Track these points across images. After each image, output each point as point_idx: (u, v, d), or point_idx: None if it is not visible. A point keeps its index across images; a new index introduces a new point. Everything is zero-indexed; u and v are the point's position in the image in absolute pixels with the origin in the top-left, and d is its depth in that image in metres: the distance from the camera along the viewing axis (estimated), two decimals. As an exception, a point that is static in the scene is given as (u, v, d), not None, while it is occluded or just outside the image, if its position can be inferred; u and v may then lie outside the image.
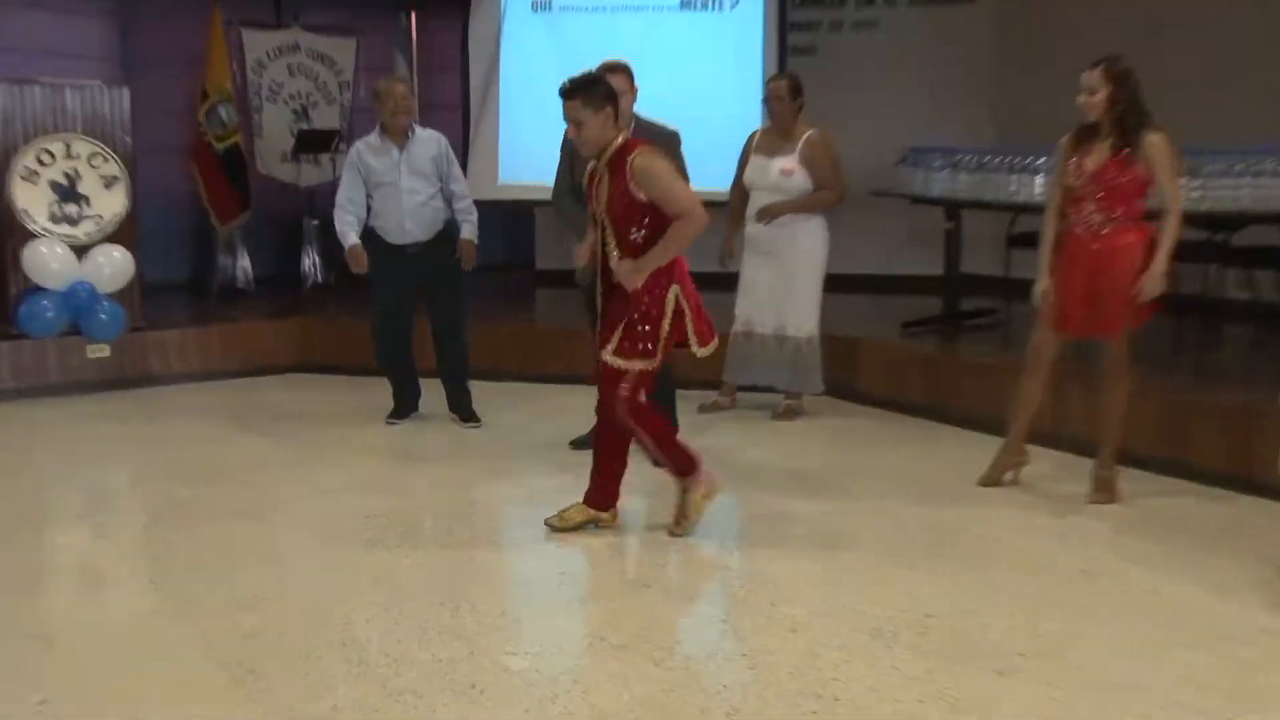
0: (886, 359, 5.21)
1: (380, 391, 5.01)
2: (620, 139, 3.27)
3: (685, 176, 3.92)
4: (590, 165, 3.39)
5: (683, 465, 3.40)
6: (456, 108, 6.94)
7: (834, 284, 5.11)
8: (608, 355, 3.29)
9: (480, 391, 5.09)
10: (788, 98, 4.73)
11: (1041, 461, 4.08)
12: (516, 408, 5.13)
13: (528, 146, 6.54)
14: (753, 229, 4.81)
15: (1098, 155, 3.56)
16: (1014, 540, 3.40)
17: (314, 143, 7.05)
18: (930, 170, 5.58)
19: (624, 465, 3.47)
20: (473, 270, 4.76)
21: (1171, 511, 3.66)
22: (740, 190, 4.90)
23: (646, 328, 3.27)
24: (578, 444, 4.40)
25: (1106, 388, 3.71)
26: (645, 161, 3.22)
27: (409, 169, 4.62)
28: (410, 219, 4.63)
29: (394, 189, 4.60)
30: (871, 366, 5.25)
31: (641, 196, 3.24)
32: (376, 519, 3.60)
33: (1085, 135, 3.57)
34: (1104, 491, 3.67)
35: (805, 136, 4.72)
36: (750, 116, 5.95)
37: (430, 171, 4.66)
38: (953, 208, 5.65)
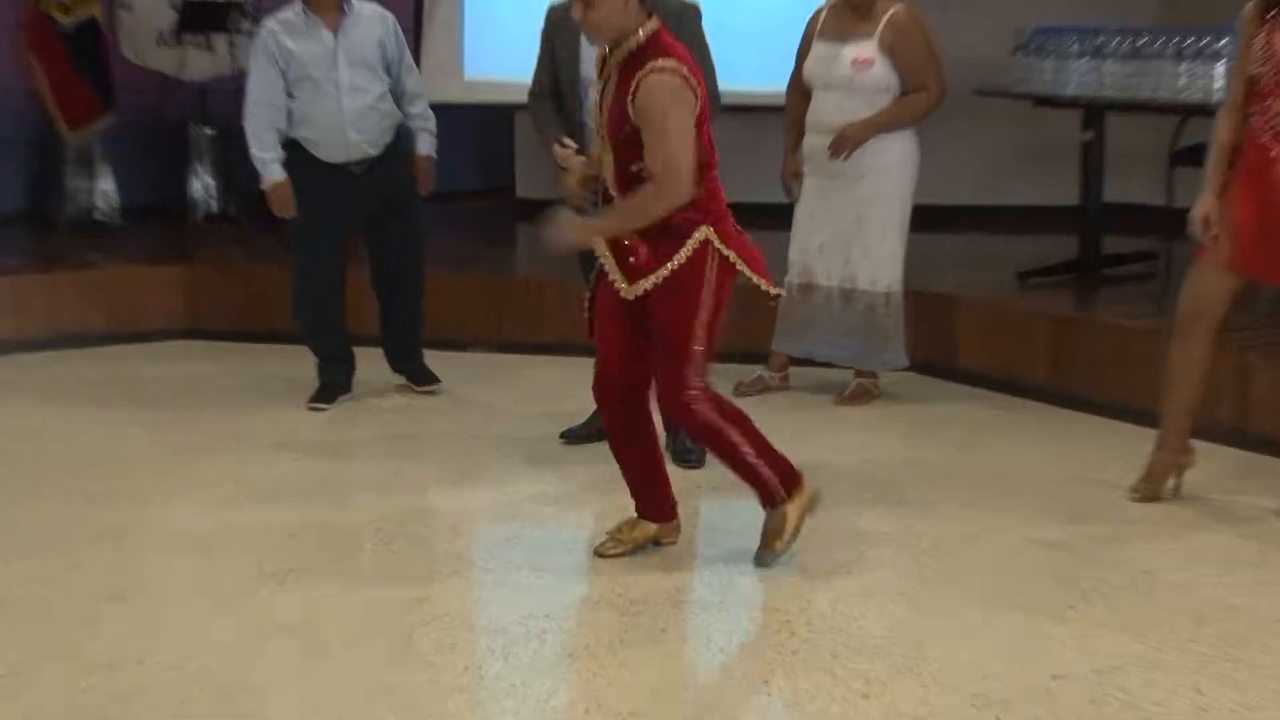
0: (996, 323, 5.18)
1: (301, 364, 5.02)
2: (643, 34, 3.20)
3: (709, 67, 3.92)
4: (599, 53, 3.34)
5: (784, 476, 3.38)
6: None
7: (924, 219, 5.07)
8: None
9: (434, 364, 5.11)
10: None
11: (1212, 462, 4.04)
12: (488, 386, 5.15)
13: (503, 29, 6.50)
14: (814, 143, 4.76)
15: None
16: (1178, 575, 3.37)
17: (204, 19, 6.99)
18: (1062, 59, 5.50)
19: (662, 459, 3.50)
20: (429, 197, 4.75)
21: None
22: (800, 89, 4.84)
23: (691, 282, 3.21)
24: (572, 436, 4.40)
25: None
26: (655, 84, 3.12)
27: (348, 59, 4.61)
28: (354, 127, 4.64)
29: (328, 86, 4.60)
30: (975, 333, 5.22)
31: (633, 120, 3.16)
32: (292, 541, 3.60)
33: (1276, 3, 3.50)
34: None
35: (889, 15, 4.67)
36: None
37: (376, 61, 4.65)
38: (1094, 111, 5.57)
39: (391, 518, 3.76)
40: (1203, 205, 3.67)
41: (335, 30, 4.59)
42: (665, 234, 3.21)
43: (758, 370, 5.04)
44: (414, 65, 4.80)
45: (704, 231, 3.22)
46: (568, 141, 4.10)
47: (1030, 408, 4.84)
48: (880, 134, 4.68)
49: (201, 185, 7.02)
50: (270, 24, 4.64)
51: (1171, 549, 3.51)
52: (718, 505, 3.89)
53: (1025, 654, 2.94)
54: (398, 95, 4.72)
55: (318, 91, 4.59)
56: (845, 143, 4.66)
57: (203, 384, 5.18)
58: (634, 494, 3.51)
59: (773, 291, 3.35)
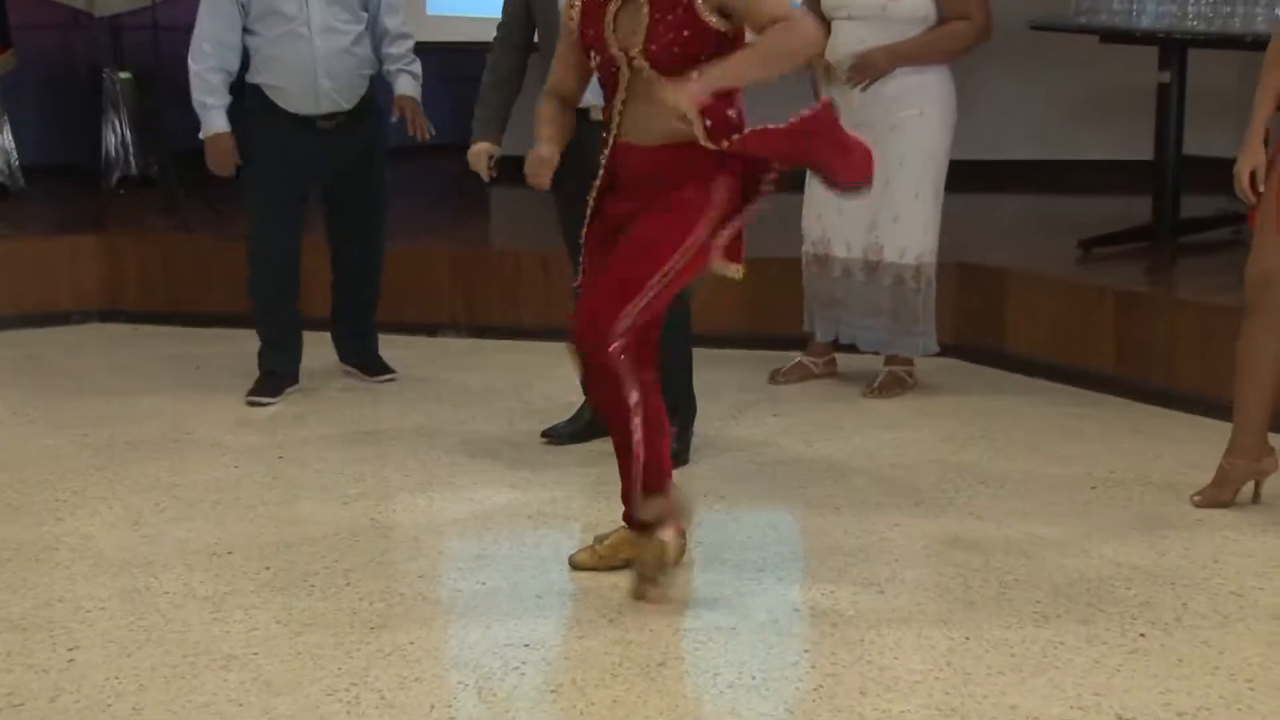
0: (1051, 300, 5.19)
1: (239, 350, 5.04)
2: None
3: None
4: None
5: (662, 473, 3.37)
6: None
7: (963, 177, 5.08)
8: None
9: (397, 351, 5.11)
10: None
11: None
12: (458, 376, 5.16)
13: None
14: (832, 88, 4.75)
15: None
16: (1273, 599, 3.38)
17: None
18: (1134, -13, 5.50)
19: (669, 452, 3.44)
20: (421, 137, 4.79)
21: None
22: (816, 16, 4.82)
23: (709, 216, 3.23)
24: (556, 435, 4.42)
25: None
26: None
27: None
28: (327, 73, 4.67)
29: (299, 25, 4.63)
30: (1026, 312, 5.23)
31: (713, 21, 3.14)
32: (230, 560, 3.62)
33: None
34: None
35: (926, -75, 4.65)
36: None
37: None
38: (1173, 48, 5.55)
39: (345, 531, 3.77)
40: (1248, 158, 3.68)
41: None
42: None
43: (796, 356, 5.05)
44: (399, 6, 4.84)
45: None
46: (493, 160, 4.13)
47: (1093, 400, 4.85)
48: (910, 69, 4.65)
49: (118, 141, 7.02)
50: None
51: (1265, 568, 3.52)
52: (722, 513, 3.91)
53: (1089, 693, 2.95)
54: (378, 37, 4.74)
55: (286, 30, 4.61)
56: (866, 70, 4.63)
57: (124, 374, 5.19)
58: (625, 495, 3.48)
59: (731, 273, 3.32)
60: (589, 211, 3.44)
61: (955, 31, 4.65)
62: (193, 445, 4.46)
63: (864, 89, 4.66)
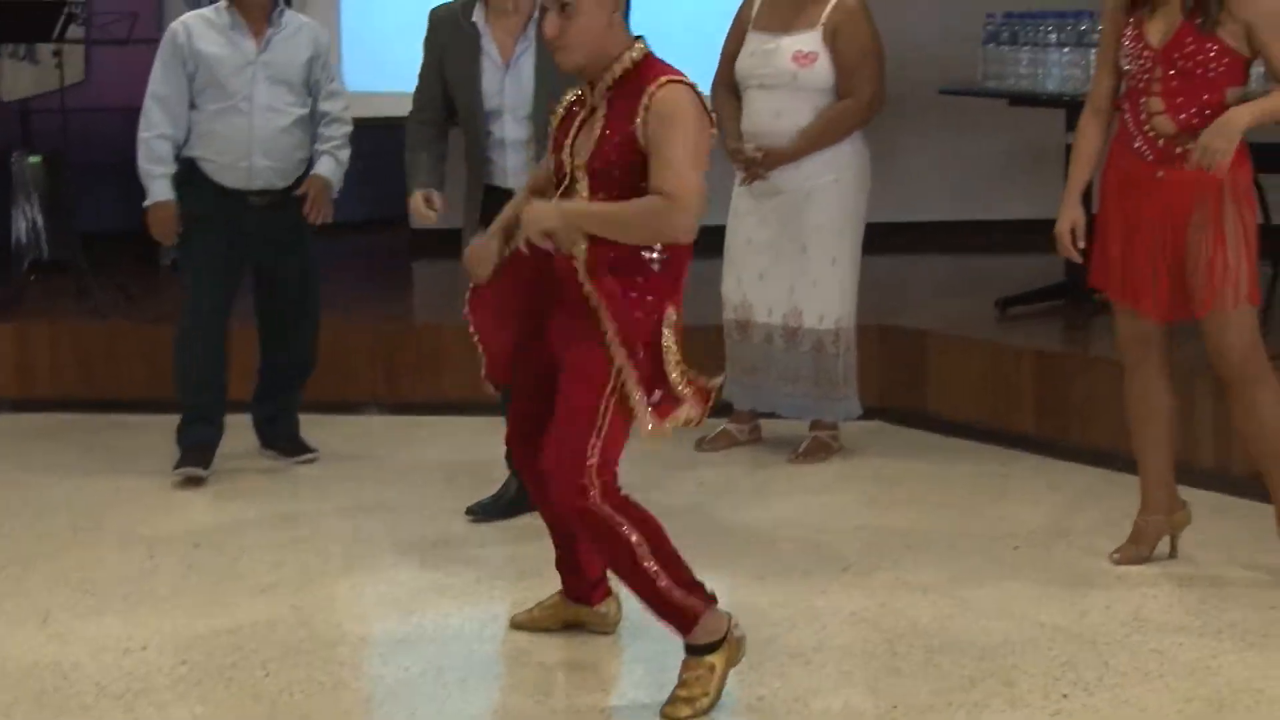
0: (971, 360, 5.25)
1: (155, 438, 4.98)
2: (635, 53, 3.18)
3: None
4: (567, 98, 3.30)
5: (694, 599, 3.16)
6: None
7: (882, 239, 5.14)
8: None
9: (318, 430, 5.07)
10: None
11: (1205, 509, 4.13)
12: (381, 454, 5.13)
13: (387, 35, 6.50)
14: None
15: (1165, 18, 3.58)
16: (1192, 654, 3.41)
17: (24, 24, 6.92)
18: (1039, 49, 5.60)
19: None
20: (314, 220, 4.75)
21: None
22: (729, 87, 4.88)
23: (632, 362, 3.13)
24: (481, 513, 4.41)
25: (1237, 407, 3.72)
26: (678, 94, 3.10)
27: (269, 75, 4.65)
28: (263, 151, 4.67)
29: (240, 101, 4.63)
30: (947, 373, 5.29)
31: (643, 146, 3.10)
32: (144, 656, 3.54)
33: None
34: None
35: (835, 0, 4.72)
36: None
37: (299, 81, 4.71)
38: (1078, 110, 5.60)
39: (264, 620, 3.72)
40: (1066, 217, 3.78)
41: (260, 42, 4.63)
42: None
43: (722, 423, 5.06)
44: (342, 90, 4.84)
45: (669, 317, 3.17)
46: (434, 199, 4.16)
47: (1014, 458, 4.90)
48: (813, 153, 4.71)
49: (28, 226, 6.93)
50: (186, 19, 4.68)
51: (1183, 623, 3.56)
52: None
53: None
54: (316, 119, 4.75)
55: (227, 105, 4.62)
56: (772, 162, 4.70)
57: (35, 465, 5.10)
58: (558, 564, 3.52)
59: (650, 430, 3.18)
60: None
61: (841, 114, 4.71)
62: (105, 536, 4.38)
63: (763, 178, 4.73)
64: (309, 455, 4.94)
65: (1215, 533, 4.09)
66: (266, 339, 4.91)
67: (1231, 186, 3.54)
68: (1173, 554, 3.93)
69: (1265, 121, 3.53)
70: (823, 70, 4.69)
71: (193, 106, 4.64)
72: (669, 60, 3.22)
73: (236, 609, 3.80)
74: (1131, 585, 3.79)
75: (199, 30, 4.63)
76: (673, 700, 3.15)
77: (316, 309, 4.91)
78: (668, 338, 3.17)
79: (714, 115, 3.20)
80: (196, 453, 4.78)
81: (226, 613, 3.78)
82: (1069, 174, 3.83)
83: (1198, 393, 4.50)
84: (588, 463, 3.10)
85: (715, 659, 3.16)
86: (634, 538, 3.11)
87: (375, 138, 7.26)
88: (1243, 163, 3.58)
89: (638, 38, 3.21)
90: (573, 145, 3.22)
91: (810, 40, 4.69)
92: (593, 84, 3.19)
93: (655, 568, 3.11)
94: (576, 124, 3.24)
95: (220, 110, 4.62)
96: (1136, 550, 3.90)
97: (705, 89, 4.77)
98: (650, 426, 3.14)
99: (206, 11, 4.69)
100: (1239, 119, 3.46)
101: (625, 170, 3.13)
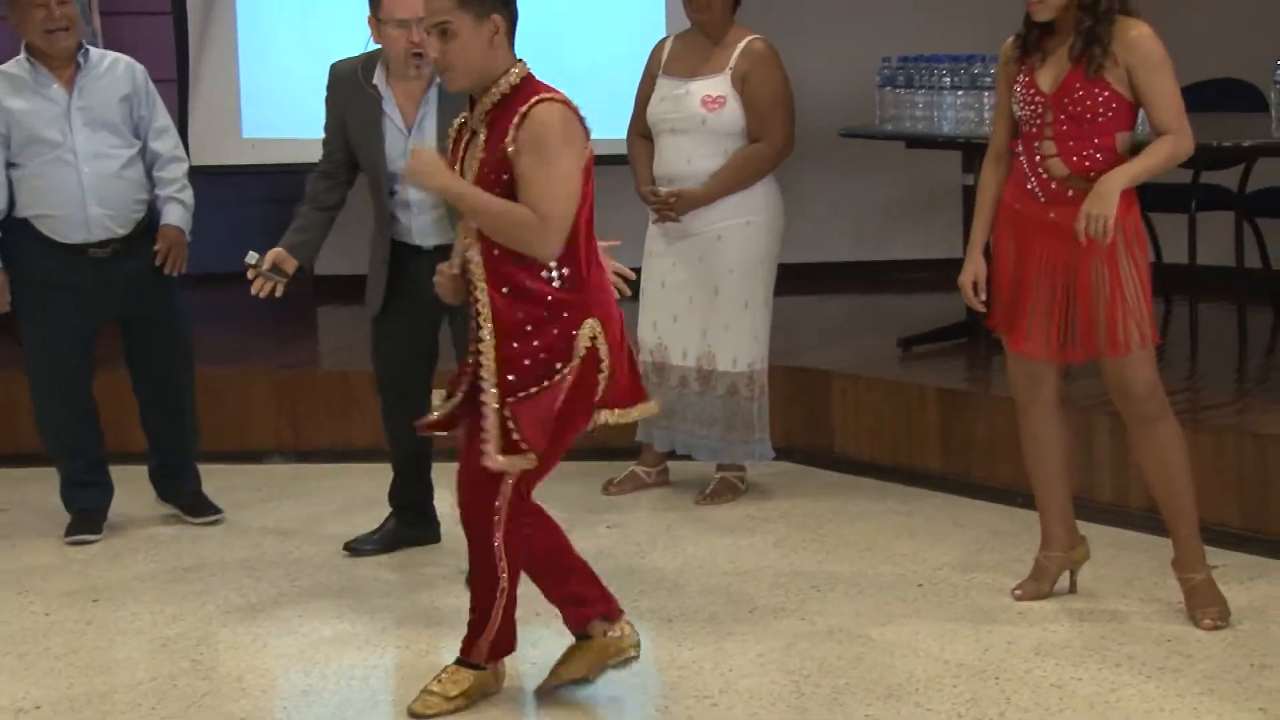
0: (875, 400, 5.29)
1: (44, 489, 4.87)
2: (515, 76, 3.23)
3: None
4: (457, 121, 3.34)
5: (495, 647, 3.42)
6: (160, 12, 6.85)
7: (787, 280, 5.17)
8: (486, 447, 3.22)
9: (221, 480, 4.99)
10: None
11: (1104, 544, 4.18)
12: (284, 504, 5.07)
13: (288, 80, 6.50)
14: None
15: (1055, 64, 3.66)
16: (1080, 686, 3.45)
17: None
18: (934, 92, 5.69)
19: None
20: (182, 277, 4.66)
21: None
22: (642, 133, 4.91)
23: (533, 390, 3.21)
24: (357, 549, 4.44)
25: (1138, 443, 3.77)
26: (548, 112, 3.15)
27: (86, 120, 4.54)
28: (97, 200, 4.55)
29: (64, 152, 4.52)
30: (852, 413, 5.33)
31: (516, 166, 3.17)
32: (37, 715, 3.48)
33: (1036, 38, 3.66)
34: (1209, 606, 3.74)
35: (744, 45, 4.76)
36: (650, 28, 6.01)
37: (121, 121, 4.59)
38: (973, 152, 5.74)
39: (164, 675, 3.65)
40: (969, 269, 3.83)
41: (69, 86, 4.52)
42: (547, 319, 3.21)
43: (630, 465, 5.05)
44: (170, 128, 4.73)
45: (591, 328, 3.22)
46: (285, 267, 4.12)
47: (919, 496, 4.93)
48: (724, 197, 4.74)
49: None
50: None
51: (1082, 658, 3.59)
52: (557, 631, 3.86)
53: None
54: (149, 161, 4.64)
55: (51, 158, 4.50)
56: (684, 206, 4.73)
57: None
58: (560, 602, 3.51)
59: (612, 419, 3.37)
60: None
61: (757, 155, 4.74)
62: (0, 593, 4.28)
63: (675, 219, 4.76)
64: (213, 517, 4.78)
65: (1114, 567, 4.14)
66: (139, 390, 4.75)
67: (1122, 230, 3.61)
68: (1073, 589, 3.97)
69: (1141, 180, 3.60)
70: (732, 114, 4.73)
71: (14, 166, 4.49)
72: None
73: (135, 664, 3.73)
74: (1033, 621, 3.82)
75: (3, 88, 4.49)
76: (423, 694, 3.37)
77: (188, 355, 4.76)
78: (601, 351, 3.23)
79: (586, 130, 3.22)
80: (85, 518, 4.69)
81: (125, 668, 3.71)
82: (972, 225, 3.88)
83: (1095, 429, 4.57)
84: (497, 504, 3.26)
85: (474, 674, 3.39)
86: (503, 581, 3.33)
87: (275, 184, 7.25)
88: (1131, 206, 3.65)
89: (519, 60, 3.25)
90: (461, 167, 3.28)
91: (719, 85, 4.73)
92: (473, 107, 3.26)
93: (497, 616, 3.36)
94: (463, 146, 3.29)
95: (45, 164, 4.48)
96: (1037, 586, 3.94)
97: (621, 133, 4.91)
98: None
99: (7, 67, 4.53)
100: (1114, 183, 3.53)
101: (504, 190, 3.19)
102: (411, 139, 4.14)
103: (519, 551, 3.34)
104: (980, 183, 3.88)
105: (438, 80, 4.09)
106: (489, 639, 3.38)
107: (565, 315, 3.21)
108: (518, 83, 3.22)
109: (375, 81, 4.18)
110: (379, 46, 4.17)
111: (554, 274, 3.22)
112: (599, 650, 3.43)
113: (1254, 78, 5.57)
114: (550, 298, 3.21)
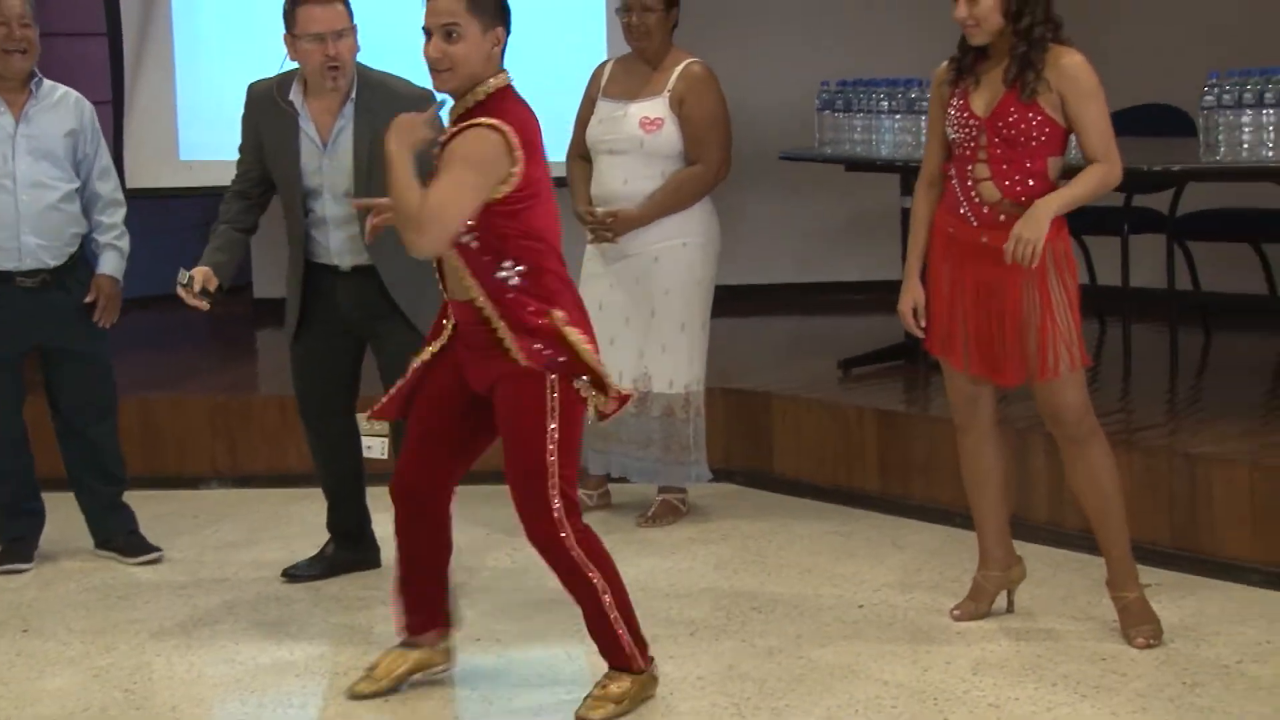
0: (815, 421, 5.31)
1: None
2: (491, 85, 3.30)
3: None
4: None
5: (637, 644, 3.48)
6: (96, 33, 6.79)
7: (729, 302, 5.19)
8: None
9: (156, 506, 4.92)
10: (658, 5, 4.78)
11: (1040, 563, 4.23)
12: (221, 529, 5.02)
13: (228, 98, 6.39)
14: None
15: (989, 88, 3.70)
16: (1017, 706, 3.47)
17: None
18: (872, 115, 5.74)
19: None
20: (102, 325, 4.60)
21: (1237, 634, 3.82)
22: (581, 155, 4.93)
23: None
24: (295, 575, 4.42)
25: (1071, 464, 3.82)
26: (474, 140, 3.22)
27: (30, 149, 4.50)
28: (31, 229, 4.50)
29: (2, 178, 4.47)
30: (791, 434, 5.35)
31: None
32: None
33: (970, 62, 3.71)
34: (1142, 624, 3.78)
35: (682, 68, 4.79)
36: (591, 52, 6.05)
37: (64, 155, 4.56)
38: (911, 174, 5.77)
39: (96, 706, 3.60)
40: (907, 296, 3.86)
41: (17, 113, 4.49)
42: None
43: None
44: (112, 169, 4.69)
45: (558, 316, 3.31)
46: (196, 282, 4.10)
47: (859, 517, 4.96)
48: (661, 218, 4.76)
49: None
50: None
51: (1019, 678, 3.62)
52: (496, 655, 3.85)
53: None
54: (88, 201, 4.60)
55: None
56: (621, 227, 4.74)
57: None
58: (407, 608, 3.58)
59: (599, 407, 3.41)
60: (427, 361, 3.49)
61: (694, 177, 4.76)
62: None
63: (613, 240, 4.77)
64: (151, 556, 4.67)
65: (1050, 586, 4.18)
66: (56, 423, 4.65)
67: (1053, 254, 3.65)
68: (1010, 608, 4.00)
69: (1072, 208, 3.64)
70: (670, 136, 4.74)
71: None
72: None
73: (66, 695, 3.67)
74: (971, 640, 3.84)
75: None
76: (589, 700, 3.42)
77: (109, 394, 4.67)
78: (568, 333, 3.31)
79: (520, 156, 3.25)
80: (16, 547, 4.61)
81: (55, 699, 3.65)
82: (907, 252, 3.91)
83: (1031, 450, 4.61)
84: (553, 506, 3.33)
85: (632, 682, 3.45)
86: (598, 582, 3.38)
87: (213, 207, 7.18)
88: (1060, 230, 3.69)
89: (501, 71, 3.33)
90: None
91: (657, 107, 4.75)
92: (454, 109, 3.35)
93: (615, 615, 3.40)
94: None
95: None
96: (975, 606, 3.96)
97: (561, 155, 4.92)
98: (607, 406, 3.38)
99: None
100: (1046, 208, 3.57)
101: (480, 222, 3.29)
102: (326, 154, 4.14)
103: (595, 546, 3.41)
104: (914, 206, 3.91)
105: (353, 95, 4.12)
106: (626, 644, 3.43)
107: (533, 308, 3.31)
108: (485, 97, 3.28)
109: (291, 98, 4.18)
110: (295, 65, 4.17)
111: (507, 273, 3.31)
112: (424, 660, 3.58)
113: (1183, 103, 5.65)
114: (513, 293, 3.31)
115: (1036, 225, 3.55)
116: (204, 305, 4.10)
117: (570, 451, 3.36)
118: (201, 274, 4.10)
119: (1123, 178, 3.68)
